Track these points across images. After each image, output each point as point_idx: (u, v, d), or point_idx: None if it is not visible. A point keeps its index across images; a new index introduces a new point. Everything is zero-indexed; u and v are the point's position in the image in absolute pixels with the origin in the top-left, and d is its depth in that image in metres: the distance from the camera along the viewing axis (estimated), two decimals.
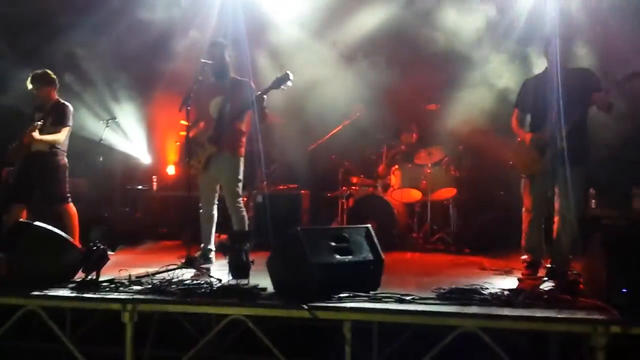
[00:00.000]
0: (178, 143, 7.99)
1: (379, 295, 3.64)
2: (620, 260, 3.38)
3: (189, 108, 4.68)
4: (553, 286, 3.92)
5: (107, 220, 6.57)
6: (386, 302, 3.52)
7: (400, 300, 3.53)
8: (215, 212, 5.06)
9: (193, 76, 4.86)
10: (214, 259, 5.03)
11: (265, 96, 4.80)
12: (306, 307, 3.37)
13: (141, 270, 4.26)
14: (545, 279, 4.13)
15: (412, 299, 3.56)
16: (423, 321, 3.40)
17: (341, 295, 3.55)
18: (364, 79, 7.26)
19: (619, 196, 6.29)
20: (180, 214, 7.11)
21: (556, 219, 4.49)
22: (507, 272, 4.76)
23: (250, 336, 3.55)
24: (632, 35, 5.97)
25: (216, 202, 5.05)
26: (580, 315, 3.26)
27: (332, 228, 3.95)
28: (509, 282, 4.26)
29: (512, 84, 6.18)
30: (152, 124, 8.34)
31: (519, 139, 4.70)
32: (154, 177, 8.05)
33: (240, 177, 4.96)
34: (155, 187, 7.99)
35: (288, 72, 4.56)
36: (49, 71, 5.64)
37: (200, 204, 5.06)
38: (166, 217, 7.52)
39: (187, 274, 4.24)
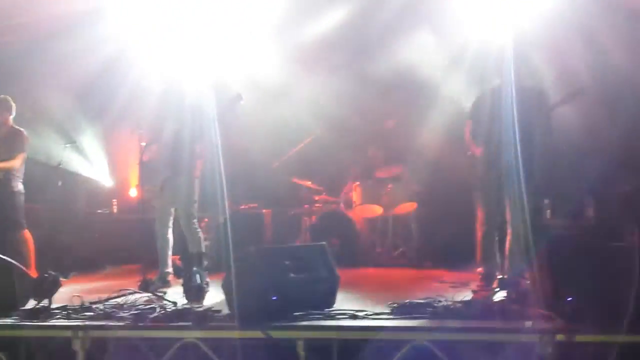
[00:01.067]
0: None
1: (333, 312, 3.67)
2: (565, 269, 3.48)
3: (141, 131, 4.68)
4: (504, 297, 4.01)
5: (62, 246, 6.45)
6: (339, 319, 3.55)
7: (354, 317, 3.58)
8: (170, 235, 5.04)
9: (147, 99, 4.87)
10: (171, 282, 4.99)
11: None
12: (259, 327, 3.38)
13: (95, 296, 4.20)
14: (497, 290, 4.21)
15: (366, 314, 3.61)
16: (375, 336, 3.43)
17: (295, 313, 3.57)
18: (325, 96, 7.32)
19: (573, 207, 6.46)
20: (142, 237, 7.02)
21: (509, 231, 4.58)
22: (464, 285, 4.84)
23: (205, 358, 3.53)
24: (584, 49, 6.18)
25: (171, 225, 5.04)
26: (527, 324, 3.34)
27: (286, 247, 3.98)
28: (464, 295, 4.33)
29: (469, 99, 6.32)
30: (113, 145, 8.24)
31: (469, 153, 4.80)
32: (114, 200, 7.94)
33: (196, 198, 4.97)
34: (115, 210, 7.89)
35: (239, 92, 4.59)
36: (8, 97, 5.62)
37: (155, 228, 5.03)
38: (127, 241, 7.41)
39: (142, 298, 4.19)
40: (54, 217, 7.04)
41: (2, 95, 5.60)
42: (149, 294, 4.23)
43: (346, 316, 3.58)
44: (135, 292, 4.22)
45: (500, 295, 4.10)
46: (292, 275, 3.76)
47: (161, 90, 5.02)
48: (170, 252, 5.07)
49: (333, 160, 7.67)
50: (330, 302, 3.85)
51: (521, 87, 4.59)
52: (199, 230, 4.94)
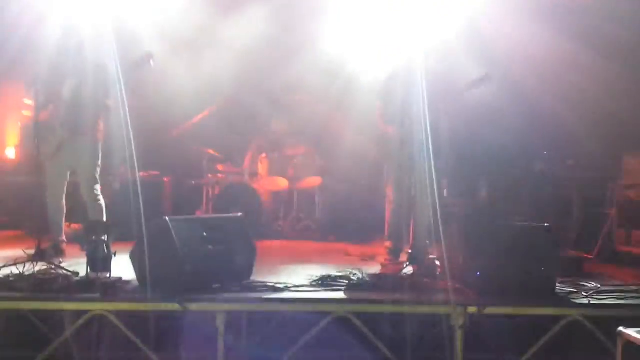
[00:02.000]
0: (20, 124, 7.17)
1: (253, 284, 3.61)
2: (474, 246, 3.69)
3: (37, 88, 4.19)
4: (414, 271, 4.18)
5: None
6: (260, 291, 3.50)
7: (274, 289, 3.54)
8: (64, 201, 4.63)
9: (43, 54, 4.37)
10: (65, 252, 4.61)
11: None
12: (177, 300, 3.24)
13: None
14: (407, 264, 4.38)
15: (286, 287, 3.59)
16: (298, 308, 3.43)
17: (214, 286, 3.46)
18: (231, 64, 7.09)
19: (466, 186, 6.89)
20: (23, 201, 6.40)
21: (415, 208, 4.76)
22: (371, 258, 4.98)
23: (114, 330, 3.32)
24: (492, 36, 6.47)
25: (65, 190, 4.63)
26: (440, 297, 3.51)
27: (203, 217, 3.83)
28: (374, 268, 4.46)
29: (379, 77, 6.41)
30: None
31: (380, 132, 4.89)
32: None
33: (99, 162, 4.60)
34: None
35: (149, 51, 4.26)
36: None
37: (47, 193, 4.60)
38: (5, 205, 6.73)
39: (37, 267, 3.82)
40: None
41: None
42: (46, 264, 3.86)
43: (266, 288, 3.53)
44: (32, 261, 3.82)
45: (409, 269, 4.26)
46: (209, 246, 3.63)
47: (58, 41, 4.53)
48: (64, 219, 4.67)
49: (236, 130, 7.48)
50: (248, 274, 3.77)
51: (432, 69, 4.75)
52: (100, 196, 4.58)
